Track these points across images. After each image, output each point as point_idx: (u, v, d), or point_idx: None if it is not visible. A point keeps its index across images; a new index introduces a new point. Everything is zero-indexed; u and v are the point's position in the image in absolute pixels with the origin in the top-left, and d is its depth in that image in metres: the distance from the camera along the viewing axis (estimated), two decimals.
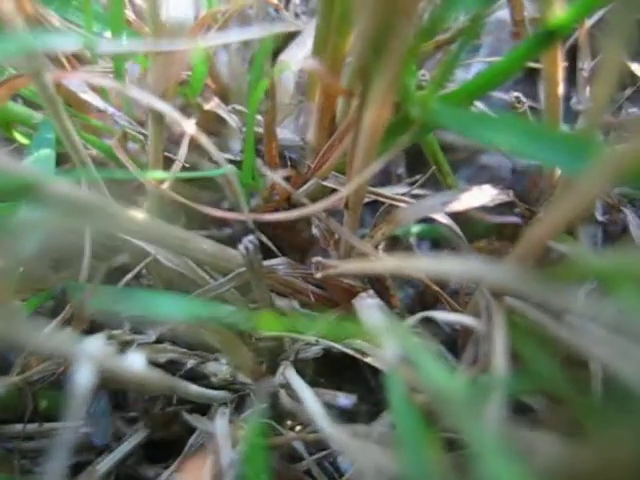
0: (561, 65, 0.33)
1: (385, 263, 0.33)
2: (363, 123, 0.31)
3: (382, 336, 0.30)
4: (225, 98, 0.40)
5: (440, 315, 0.33)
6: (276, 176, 0.34)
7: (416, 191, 0.40)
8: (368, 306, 0.35)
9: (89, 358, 0.24)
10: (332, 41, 0.34)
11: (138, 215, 0.32)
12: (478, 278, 0.34)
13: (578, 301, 0.34)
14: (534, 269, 0.31)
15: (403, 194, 0.38)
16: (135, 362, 0.27)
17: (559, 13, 0.31)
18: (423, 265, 0.29)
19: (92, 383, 0.23)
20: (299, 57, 0.38)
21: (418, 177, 0.40)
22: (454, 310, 0.38)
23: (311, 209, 0.32)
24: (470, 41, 0.32)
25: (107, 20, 0.35)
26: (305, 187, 0.37)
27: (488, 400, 0.26)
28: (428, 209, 0.34)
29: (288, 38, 0.41)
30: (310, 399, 0.31)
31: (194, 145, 0.38)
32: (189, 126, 0.32)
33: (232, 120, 0.37)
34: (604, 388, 0.33)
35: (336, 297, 0.38)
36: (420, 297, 0.43)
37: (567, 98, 0.41)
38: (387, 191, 0.39)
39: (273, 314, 0.36)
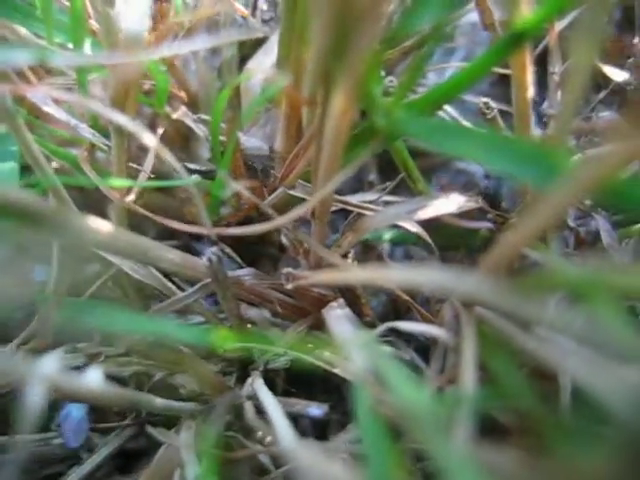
0: (530, 69, 0.33)
1: (355, 274, 0.32)
2: (325, 132, 0.31)
3: (349, 348, 0.29)
4: (194, 107, 0.40)
5: (407, 326, 0.33)
6: (240, 187, 0.34)
7: (388, 198, 0.40)
8: (337, 317, 0.34)
9: (41, 378, 0.24)
10: (295, 49, 0.34)
11: (102, 226, 0.32)
12: (448, 289, 0.34)
13: (548, 312, 0.34)
14: (505, 278, 0.30)
15: (373, 201, 0.38)
16: (92, 378, 0.27)
17: (526, 15, 0.30)
18: (393, 276, 0.29)
19: (43, 402, 0.23)
20: (266, 65, 0.37)
21: (389, 184, 0.40)
22: (425, 319, 0.38)
23: (276, 223, 0.32)
24: (435, 47, 0.32)
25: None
26: (272, 196, 0.37)
27: (455, 415, 0.26)
28: (394, 217, 0.33)
29: (256, 45, 0.41)
30: (275, 411, 0.31)
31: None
32: (150, 139, 0.32)
33: (199, 129, 0.37)
34: (573, 401, 0.32)
35: (306, 306, 0.37)
36: (393, 304, 0.42)
37: (539, 102, 0.40)
38: (358, 198, 0.39)
39: (235, 328, 0.36)
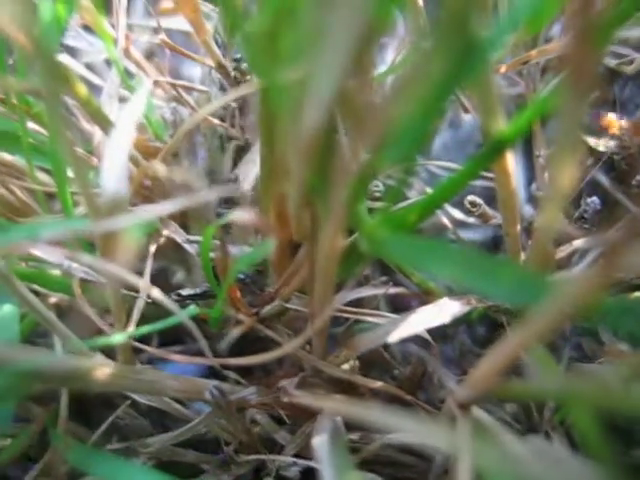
0: (513, 174, 0.33)
1: (342, 406, 0.33)
2: (317, 255, 0.32)
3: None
4: (183, 217, 0.40)
5: (401, 438, 0.33)
6: (241, 316, 0.35)
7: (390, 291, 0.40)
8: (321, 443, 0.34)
9: None
10: (276, 179, 0.34)
11: (106, 368, 0.33)
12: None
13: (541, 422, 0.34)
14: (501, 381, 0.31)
15: (371, 303, 0.38)
16: None
17: (502, 126, 0.30)
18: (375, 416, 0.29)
19: None
20: (250, 176, 0.37)
21: (384, 279, 0.40)
22: (427, 413, 0.38)
23: (284, 350, 0.33)
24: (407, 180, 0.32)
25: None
26: (267, 308, 0.37)
27: None
28: (386, 335, 0.34)
29: (240, 151, 0.41)
30: None
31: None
32: (144, 284, 0.33)
33: (191, 248, 0.37)
34: None
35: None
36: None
37: (527, 182, 0.40)
38: (354, 295, 0.39)
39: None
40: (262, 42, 0.26)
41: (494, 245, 0.48)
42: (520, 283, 0.26)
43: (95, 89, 0.49)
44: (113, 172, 0.28)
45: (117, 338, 0.31)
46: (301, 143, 0.27)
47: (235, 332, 0.32)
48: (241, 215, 0.30)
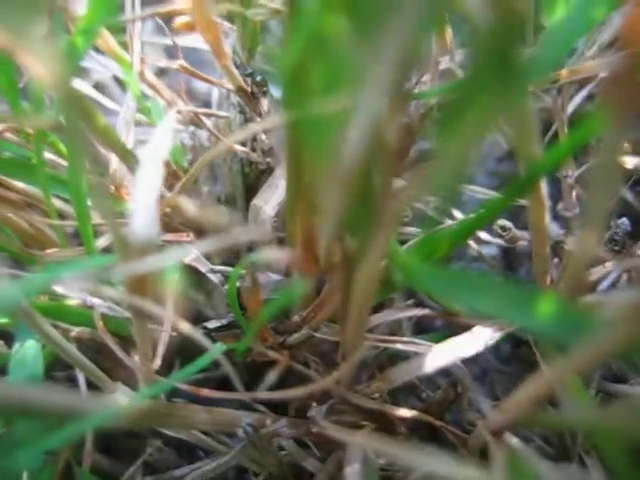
0: (546, 204, 0.32)
1: (370, 443, 0.32)
2: (352, 288, 0.31)
3: None
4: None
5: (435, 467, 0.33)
6: (271, 353, 0.34)
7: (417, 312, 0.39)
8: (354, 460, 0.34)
9: None
10: (305, 205, 0.33)
11: (133, 402, 0.32)
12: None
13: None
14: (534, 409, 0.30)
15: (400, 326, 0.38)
16: None
17: (539, 154, 0.30)
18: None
19: None
20: (273, 202, 0.37)
21: (410, 302, 0.39)
22: (457, 439, 0.38)
23: (311, 389, 0.32)
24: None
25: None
26: (295, 337, 0.37)
27: None
28: (421, 367, 0.33)
29: (259, 175, 0.40)
30: None
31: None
32: (170, 317, 0.32)
33: (215, 277, 0.37)
34: None
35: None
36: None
37: (554, 201, 0.40)
38: (383, 317, 0.39)
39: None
40: (292, 73, 0.25)
41: (504, 257, 0.48)
42: (560, 318, 0.26)
43: (104, 107, 0.48)
44: (143, 214, 0.27)
45: (163, 386, 0.30)
46: (340, 177, 0.26)
47: (272, 376, 0.31)
48: (269, 252, 0.29)
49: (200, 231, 0.36)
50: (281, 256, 0.30)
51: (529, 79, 0.24)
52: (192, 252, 0.31)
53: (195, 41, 0.43)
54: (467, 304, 0.29)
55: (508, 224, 0.36)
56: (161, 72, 0.49)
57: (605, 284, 0.35)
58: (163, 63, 0.38)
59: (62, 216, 0.43)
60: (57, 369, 0.40)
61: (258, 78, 0.35)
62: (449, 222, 0.34)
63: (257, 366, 0.39)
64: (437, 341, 0.40)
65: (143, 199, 0.27)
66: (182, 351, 0.39)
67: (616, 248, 0.35)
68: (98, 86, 0.48)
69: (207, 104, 0.50)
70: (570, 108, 0.38)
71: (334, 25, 0.25)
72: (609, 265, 0.34)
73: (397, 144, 0.29)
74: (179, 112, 0.41)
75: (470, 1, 0.22)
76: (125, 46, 0.41)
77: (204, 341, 0.32)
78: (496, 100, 0.24)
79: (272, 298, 0.37)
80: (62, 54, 0.32)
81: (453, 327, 0.43)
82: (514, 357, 0.44)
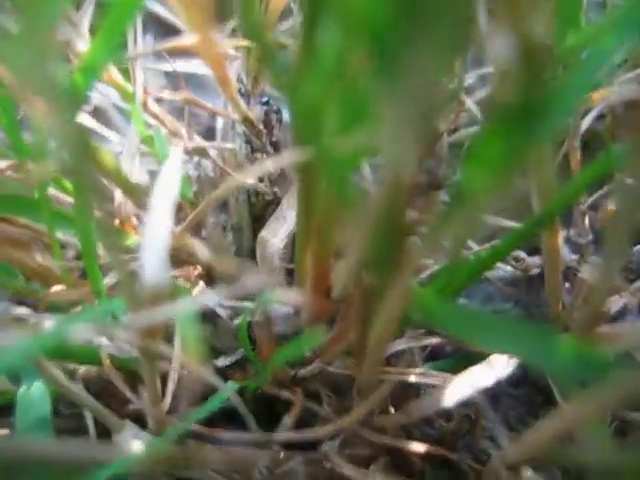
0: (561, 237, 0.32)
1: None
2: (371, 326, 0.30)
3: None
4: (209, 276, 0.38)
5: None
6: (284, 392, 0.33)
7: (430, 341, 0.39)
8: None
9: None
10: (316, 239, 0.32)
11: (147, 446, 0.32)
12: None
13: None
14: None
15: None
16: None
17: (556, 190, 0.29)
18: None
19: None
20: (281, 235, 0.36)
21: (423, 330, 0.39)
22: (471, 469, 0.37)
23: (329, 430, 0.32)
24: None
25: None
26: (307, 369, 0.36)
27: None
28: (440, 401, 0.33)
29: (267, 205, 0.39)
30: None
31: None
32: (176, 359, 0.32)
33: (224, 312, 0.36)
34: None
35: None
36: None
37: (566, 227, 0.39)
38: (395, 346, 0.38)
39: None
40: (308, 108, 0.25)
41: (514, 281, 0.47)
42: (579, 359, 0.25)
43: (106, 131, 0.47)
44: (153, 259, 0.26)
45: (176, 431, 0.30)
46: (362, 217, 0.25)
47: (287, 420, 0.30)
48: (280, 294, 0.29)
49: (209, 266, 0.35)
50: (292, 297, 0.29)
51: (552, 122, 0.23)
52: (210, 301, 0.30)
53: (196, 66, 0.43)
54: (486, 345, 0.29)
55: (522, 254, 0.35)
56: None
57: (620, 313, 0.35)
58: (166, 94, 0.37)
59: (65, 246, 0.43)
60: (64, 405, 0.39)
61: (274, 107, 0.35)
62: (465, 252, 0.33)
63: (267, 398, 0.39)
64: (450, 368, 0.39)
65: (153, 246, 0.27)
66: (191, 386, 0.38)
67: (631, 277, 0.34)
68: (97, 111, 0.47)
69: (211, 128, 0.49)
70: (581, 127, 0.38)
71: (356, 61, 0.24)
72: (625, 295, 0.33)
73: (420, 182, 0.28)
74: (178, 136, 0.40)
75: (494, 42, 0.21)
76: (125, 71, 0.41)
77: (216, 381, 0.32)
78: (520, 141, 0.23)
79: (283, 334, 0.36)
80: (64, 93, 0.31)
81: (464, 352, 0.43)
82: (525, 381, 0.44)
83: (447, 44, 0.19)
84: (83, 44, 0.35)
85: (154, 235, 0.27)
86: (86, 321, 0.29)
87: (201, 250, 0.29)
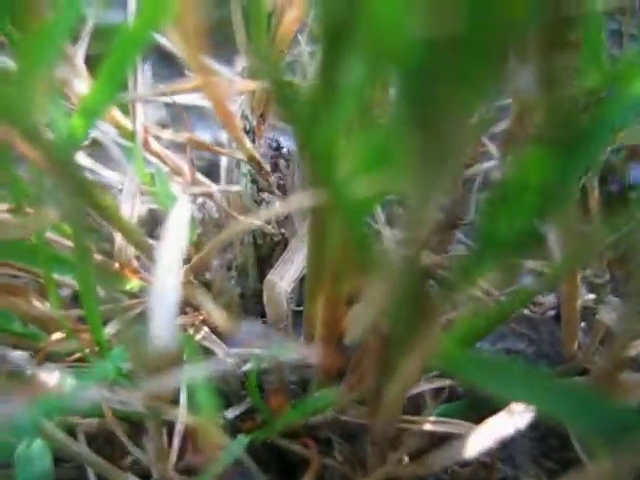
0: (579, 284, 0.31)
1: None
2: (392, 378, 0.29)
3: None
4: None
5: None
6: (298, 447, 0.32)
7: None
8: None
9: None
10: (328, 284, 0.31)
11: None
12: None
13: None
14: None
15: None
16: None
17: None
18: None
19: None
20: (288, 277, 0.35)
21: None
22: None
23: None
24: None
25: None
26: (319, 417, 0.35)
27: None
28: (461, 452, 0.31)
29: (274, 246, 0.38)
30: None
31: None
32: (181, 416, 0.30)
33: (230, 359, 0.35)
34: None
35: None
36: None
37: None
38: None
39: None
40: (325, 151, 0.23)
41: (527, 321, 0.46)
42: (604, 417, 0.24)
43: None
44: (162, 321, 0.25)
45: None
46: (385, 266, 0.24)
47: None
48: (291, 349, 0.27)
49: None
50: (302, 350, 0.28)
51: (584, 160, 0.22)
52: (221, 370, 0.29)
53: (198, 99, 0.41)
54: (510, 397, 0.28)
55: (541, 299, 0.34)
56: (162, 125, 0.47)
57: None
58: (168, 135, 0.36)
59: (64, 286, 0.41)
60: (65, 458, 0.38)
61: (285, 151, 0.33)
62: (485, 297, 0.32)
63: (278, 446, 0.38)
64: (464, 411, 0.38)
65: (161, 306, 0.25)
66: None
67: None
68: (95, 144, 0.45)
69: (214, 163, 0.48)
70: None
71: (379, 98, 0.23)
72: None
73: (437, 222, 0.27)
74: (182, 175, 0.39)
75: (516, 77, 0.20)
76: (124, 106, 0.39)
77: (225, 440, 0.31)
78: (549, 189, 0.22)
79: (293, 381, 0.35)
80: (62, 138, 0.29)
81: (477, 394, 0.42)
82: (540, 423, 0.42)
83: (483, 85, 0.18)
84: (80, 82, 0.34)
85: (162, 295, 0.26)
86: (91, 382, 0.28)
87: (206, 303, 0.27)
